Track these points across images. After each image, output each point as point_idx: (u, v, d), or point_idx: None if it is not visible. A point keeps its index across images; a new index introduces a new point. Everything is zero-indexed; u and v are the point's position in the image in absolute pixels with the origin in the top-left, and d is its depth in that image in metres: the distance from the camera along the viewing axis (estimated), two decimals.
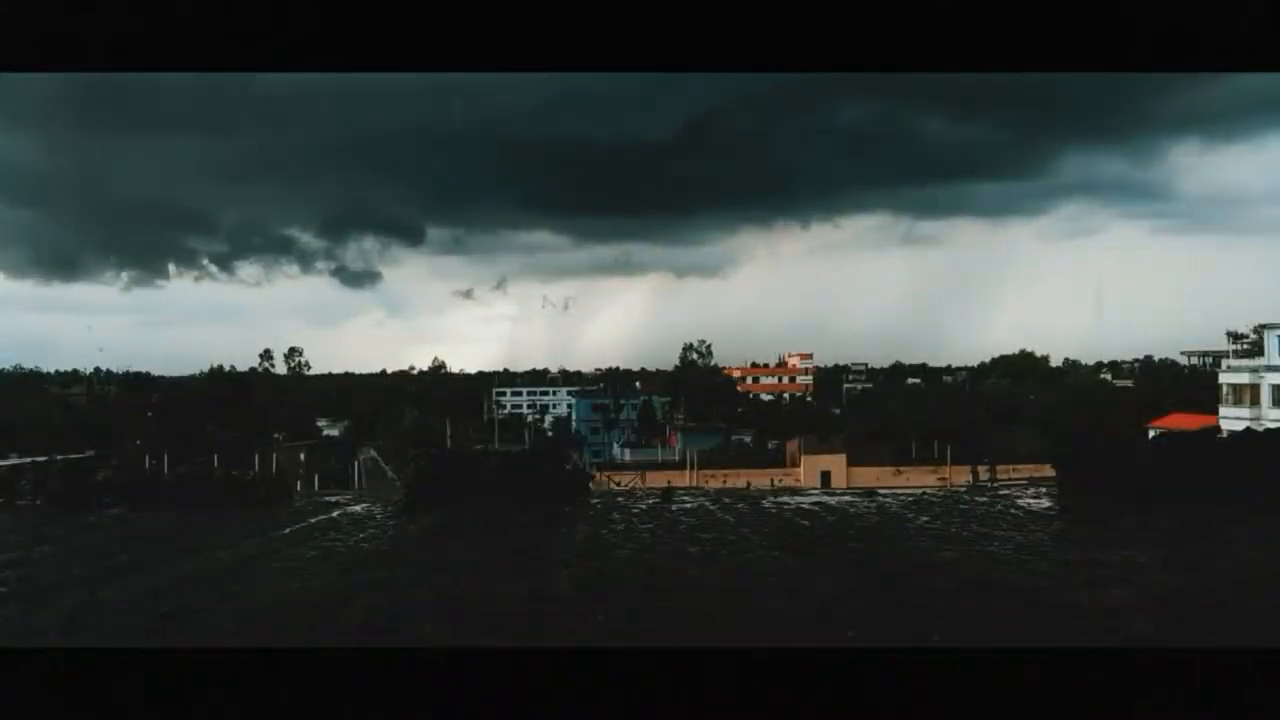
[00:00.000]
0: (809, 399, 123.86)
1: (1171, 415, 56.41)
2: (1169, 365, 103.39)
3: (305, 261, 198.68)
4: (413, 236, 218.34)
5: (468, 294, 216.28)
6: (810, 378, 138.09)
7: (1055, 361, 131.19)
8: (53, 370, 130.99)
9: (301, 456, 59.61)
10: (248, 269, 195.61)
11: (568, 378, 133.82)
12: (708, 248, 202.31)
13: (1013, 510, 18.51)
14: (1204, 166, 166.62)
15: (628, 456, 74.38)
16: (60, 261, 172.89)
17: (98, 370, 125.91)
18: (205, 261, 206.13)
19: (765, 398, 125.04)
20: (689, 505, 20.73)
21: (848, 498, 23.75)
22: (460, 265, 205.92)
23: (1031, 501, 20.09)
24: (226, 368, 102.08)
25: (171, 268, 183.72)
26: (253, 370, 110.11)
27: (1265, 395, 51.54)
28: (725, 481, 45.20)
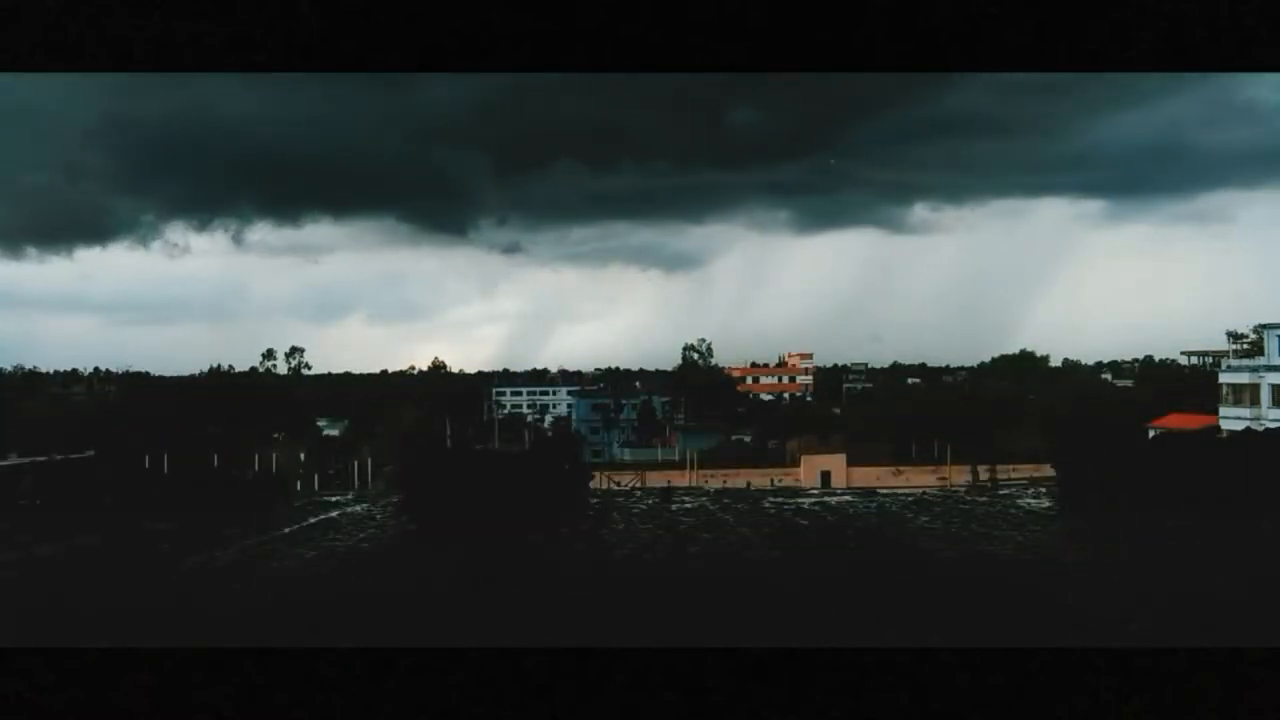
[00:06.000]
0: (809, 399, 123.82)
1: (1171, 415, 56.33)
2: (1169, 365, 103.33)
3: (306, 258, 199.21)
4: (413, 232, 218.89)
5: (469, 290, 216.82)
6: (810, 378, 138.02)
7: (1055, 361, 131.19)
8: (52, 370, 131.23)
9: (301, 456, 59.56)
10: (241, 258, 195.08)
11: (567, 377, 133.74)
12: (699, 245, 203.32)
13: (1012, 510, 18.51)
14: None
15: (627, 456, 74.33)
16: None
17: (97, 370, 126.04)
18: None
19: (765, 398, 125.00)
20: (689, 505, 20.72)
21: (847, 498, 23.74)
22: (458, 261, 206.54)
23: (1031, 501, 20.09)
24: (225, 367, 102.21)
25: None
26: (253, 369, 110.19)
27: (1265, 395, 51.52)
28: (725, 481, 45.20)
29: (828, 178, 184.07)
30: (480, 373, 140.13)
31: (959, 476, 48.48)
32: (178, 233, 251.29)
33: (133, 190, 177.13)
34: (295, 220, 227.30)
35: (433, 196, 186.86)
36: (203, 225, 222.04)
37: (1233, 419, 48.53)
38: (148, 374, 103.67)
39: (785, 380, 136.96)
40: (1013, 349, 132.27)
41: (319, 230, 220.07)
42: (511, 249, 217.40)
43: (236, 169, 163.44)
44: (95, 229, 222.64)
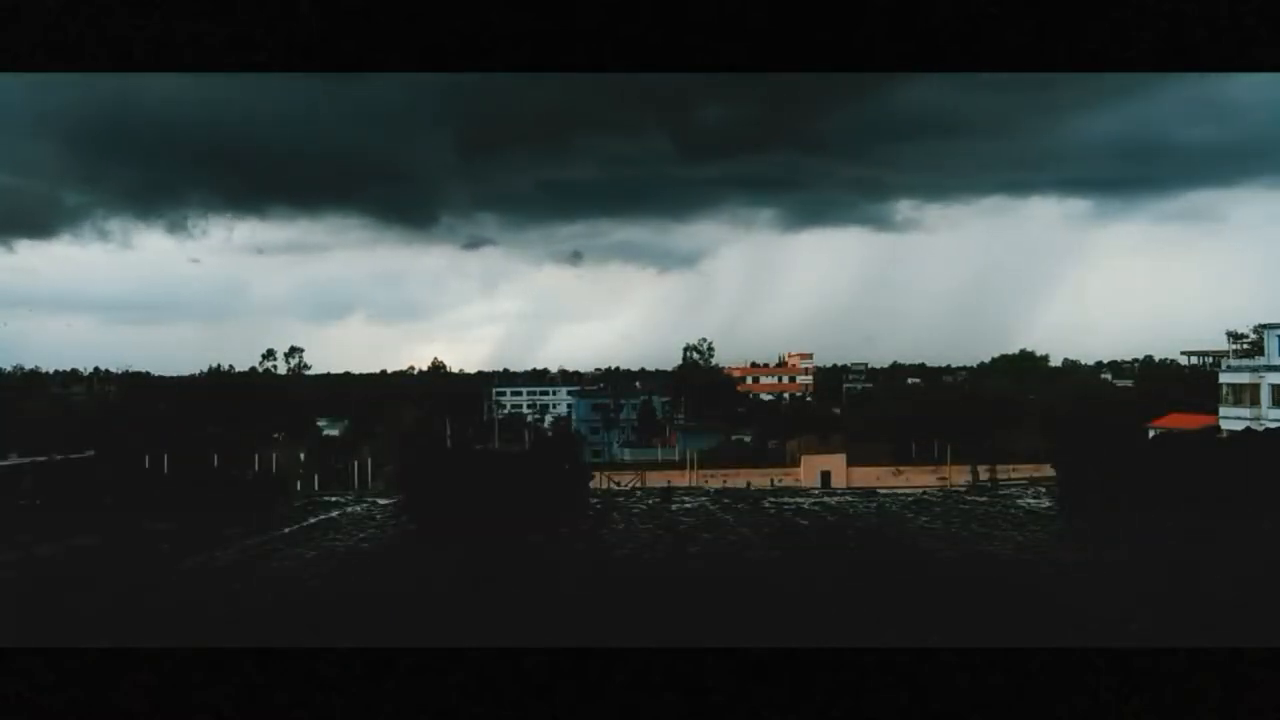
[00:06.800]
0: (809, 399, 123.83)
1: (1171, 415, 56.37)
2: (1169, 365, 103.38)
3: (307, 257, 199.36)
4: (413, 233, 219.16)
5: (469, 290, 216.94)
6: (810, 378, 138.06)
7: (1055, 362, 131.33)
8: (52, 370, 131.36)
9: (301, 456, 59.58)
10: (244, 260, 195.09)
11: (567, 377, 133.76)
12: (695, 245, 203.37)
13: (1012, 510, 18.51)
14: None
15: (628, 456, 74.37)
16: None
17: (97, 370, 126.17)
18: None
19: (765, 398, 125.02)
20: (689, 505, 20.71)
21: (848, 498, 23.74)
22: (458, 261, 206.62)
23: (1031, 501, 20.08)
24: (225, 367, 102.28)
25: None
26: (253, 370, 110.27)
27: (1265, 395, 51.54)
28: (725, 481, 45.20)
29: (815, 175, 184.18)
30: (480, 373, 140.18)
31: (959, 476, 48.51)
32: (176, 233, 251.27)
33: (128, 189, 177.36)
34: (296, 220, 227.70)
35: (423, 195, 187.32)
36: (200, 225, 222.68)
37: (1233, 419, 48.55)
38: (148, 374, 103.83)
39: (785, 380, 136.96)
40: (1013, 349, 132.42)
41: (320, 230, 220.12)
42: (480, 243, 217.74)
43: (235, 167, 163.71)
44: (91, 228, 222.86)
